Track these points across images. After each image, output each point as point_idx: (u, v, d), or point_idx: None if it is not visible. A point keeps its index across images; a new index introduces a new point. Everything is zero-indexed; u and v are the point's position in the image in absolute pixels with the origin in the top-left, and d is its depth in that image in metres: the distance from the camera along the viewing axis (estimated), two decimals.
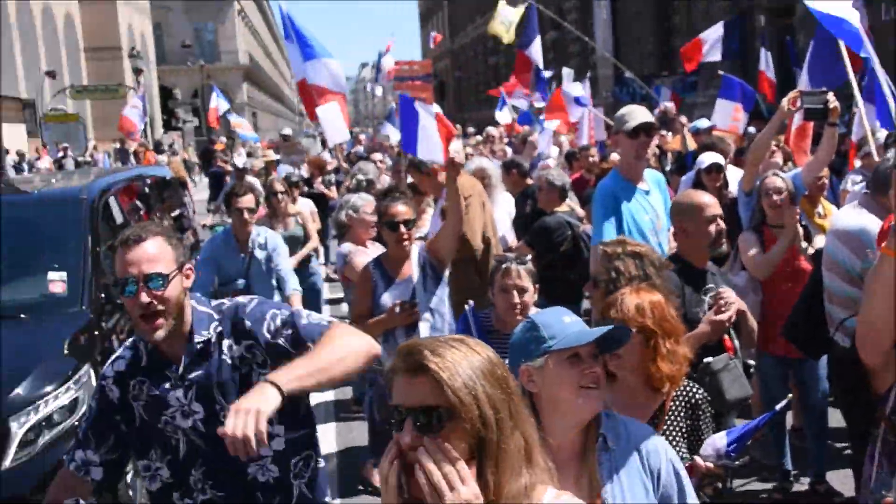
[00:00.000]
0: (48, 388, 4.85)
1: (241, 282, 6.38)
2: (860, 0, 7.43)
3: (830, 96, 5.73)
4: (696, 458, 2.98)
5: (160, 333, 2.67)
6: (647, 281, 3.51)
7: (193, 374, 2.75)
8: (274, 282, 6.43)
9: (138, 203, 7.91)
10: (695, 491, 2.84)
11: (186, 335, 2.75)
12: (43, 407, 4.78)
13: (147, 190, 8.55)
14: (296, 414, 2.84)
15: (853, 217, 4.38)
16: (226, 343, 2.78)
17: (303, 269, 7.87)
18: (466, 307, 4.54)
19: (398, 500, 1.64)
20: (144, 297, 2.63)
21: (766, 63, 11.96)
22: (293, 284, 6.38)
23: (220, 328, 2.80)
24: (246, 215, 6.39)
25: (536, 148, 11.89)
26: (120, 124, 19.41)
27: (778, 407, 3.20)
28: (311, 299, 7.97)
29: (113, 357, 2.87)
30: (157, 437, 2.79)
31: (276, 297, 6.29)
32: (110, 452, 2.81)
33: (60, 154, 29.11)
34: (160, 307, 2.65)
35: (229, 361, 2.77)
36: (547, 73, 17.08)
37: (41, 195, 7.23)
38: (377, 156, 12.44)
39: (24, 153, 27.90)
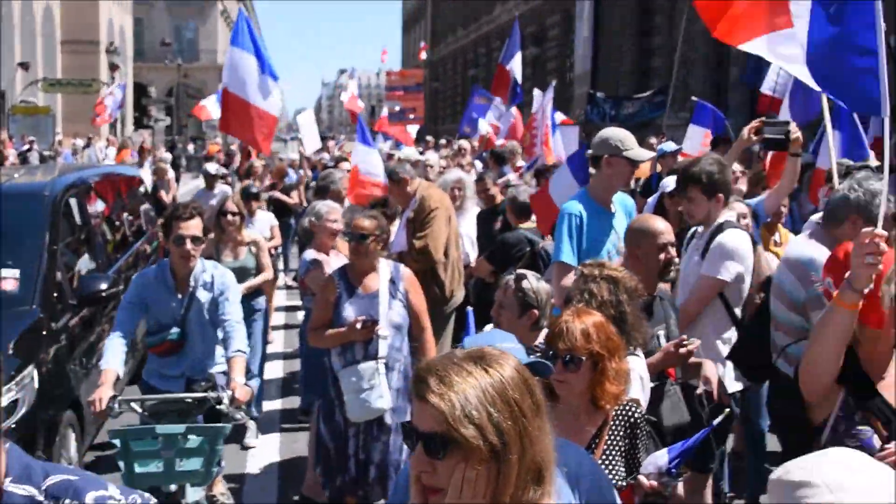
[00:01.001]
0: None
1: (174, 331, 5.07)
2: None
3: (792, 126, 5.78)
4: (640, 476, 2.99)
5: None
6: (617, 307, 3.54)
7: None
8: (219, 332, 5.05)
9: (100, 203, 7.82)
10: None
11: None
12: None
13: (115, 190, 8.46)
14: None
15: (802, 247, 4.42)
16: None
17: (246, 304, 6.42)
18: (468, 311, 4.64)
19: None
20: None
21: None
22: (239, 343, 4.87)
23: None
24: (189, 245, 4.94)
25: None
26: (95, 109, 19.46)
27: (715, 422, 3.27)
28: (252, 345, 6.45)
29: None
30: None
31: (219, 351, 5.16)
32: None
33: (26, 147, 28.75)
34: None
35: None
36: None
37: (1, 189, 7.13)
38: (346, 164, 12.38)
39: None
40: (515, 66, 15.20)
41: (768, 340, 4.51)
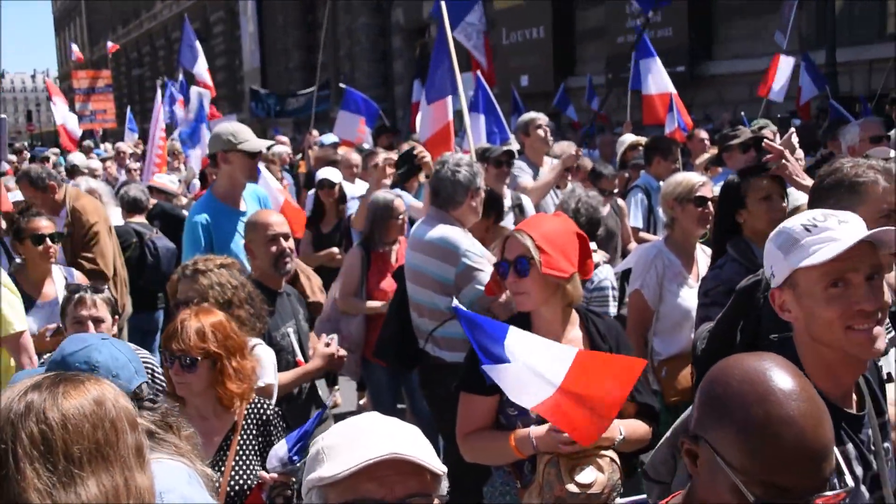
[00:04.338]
0: None
1: None
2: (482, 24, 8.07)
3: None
4: (262, 472, 3.01)
5: None
6: (244, 288, 3.58)
7: None
8: None
9: None
10: (267, 502, 2.85)
11: None
12: None
13: None
14: None
15: (431, 231, 4.60)
16: None
17: None
18: None
19: None
20: None
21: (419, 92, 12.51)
22: None
23: None
24: None
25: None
26: None
27: (327, 403, 3.47)
28: None
29: None
30: None
31: None
32: None
33: None
34: None
35: None
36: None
37: None
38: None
39: None
40: (200, 67, 14.37)
41: (410, 328, 4.68)
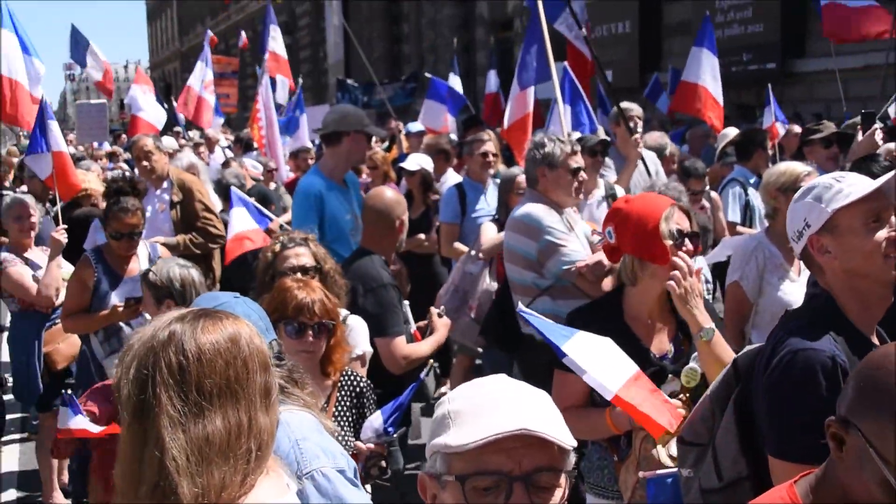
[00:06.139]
0: None
1: None
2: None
3: None
4: (358, 442, 3.06)
5: None
6: (326, 260, 3.74)
7: None
8: None
9: None
10: (363, 473, 2.91)
11: None
12: None
13: None
14: None
15: (520, 208, 4.70)
16: None
17: None
18: None
19: None
20: None
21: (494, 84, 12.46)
22: None
23: None
24: None
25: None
26: None
27: (422, 375, 3.45)
28: None
29: None
30: None
31: None
32: None
33: None
34: None
35: None
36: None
37: None
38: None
39: None
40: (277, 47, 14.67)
41: (512, 309, 4.72)
